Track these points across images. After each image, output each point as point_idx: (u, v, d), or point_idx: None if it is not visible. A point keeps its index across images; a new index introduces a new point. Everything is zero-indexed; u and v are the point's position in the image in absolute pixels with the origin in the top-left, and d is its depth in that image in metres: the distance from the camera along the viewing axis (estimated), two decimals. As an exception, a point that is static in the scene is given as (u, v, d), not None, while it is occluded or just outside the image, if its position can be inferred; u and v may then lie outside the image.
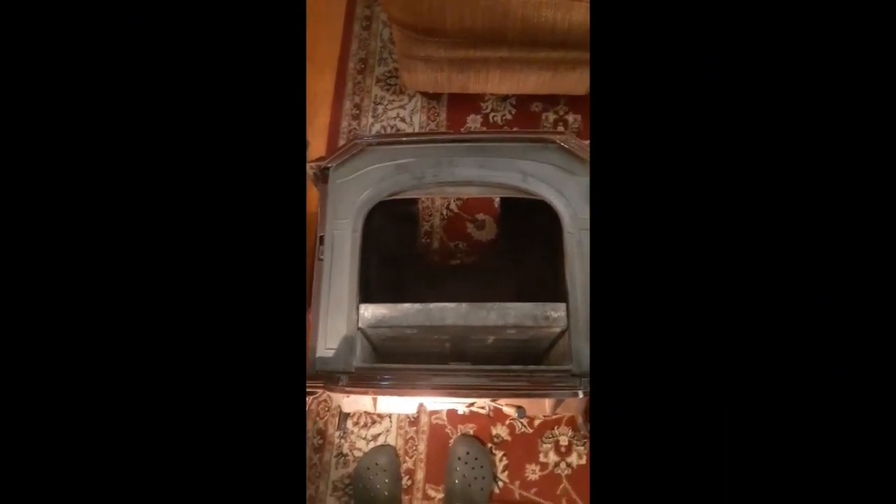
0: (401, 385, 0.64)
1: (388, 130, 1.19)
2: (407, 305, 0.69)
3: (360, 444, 1.01)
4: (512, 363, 0.67)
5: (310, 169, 0.77)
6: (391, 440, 1.01)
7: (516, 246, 1.08)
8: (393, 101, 1.21)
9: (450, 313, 0.69)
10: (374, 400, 0.71)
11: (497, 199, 1.13)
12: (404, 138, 0.76)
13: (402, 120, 1.19)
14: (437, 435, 1.01)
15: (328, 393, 0.68)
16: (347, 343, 0.68)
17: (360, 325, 0.69)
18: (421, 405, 0.72)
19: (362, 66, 1.24)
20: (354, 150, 0.75)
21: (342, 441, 1.02)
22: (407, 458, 1.00)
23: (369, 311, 0.70)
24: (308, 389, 0.67)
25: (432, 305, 0.69)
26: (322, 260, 0.74)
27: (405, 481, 0.99)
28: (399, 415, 1.02)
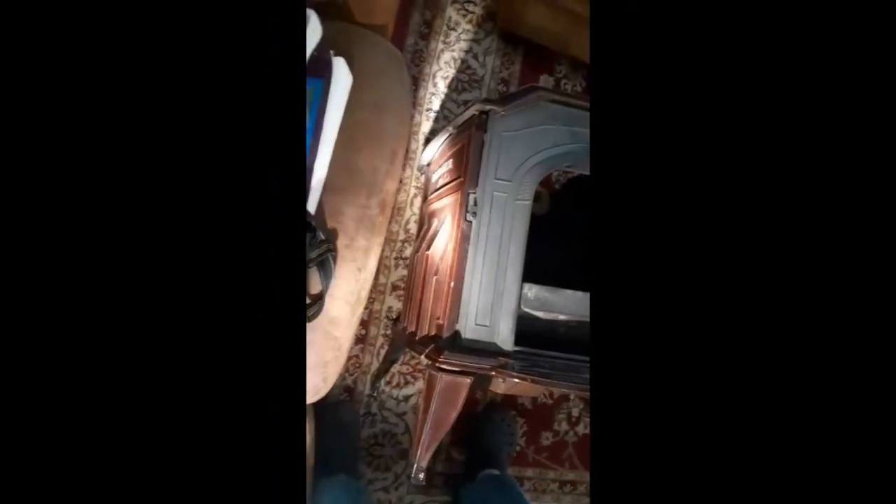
0: (572, 378, 0.60)
1: (457, 63, 1.04)
2: (570, 292, 0.65)
3: (391, 403, 0.94)
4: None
5: (476, 108, 0.64)
6: (422, 400, 0.96)
7: (566, 227, 1.06)
8: (467, 31, 1.06)
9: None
10: (528, 386, 0.65)
11: (555, 174, 1.09)
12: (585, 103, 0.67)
13: (475, 57, 1.06)
14: (467, 399, 0.99)
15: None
16: (507, 322, 0.61)
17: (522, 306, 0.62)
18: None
19: (438, -24, 1.05)
20: (532, 101, 0.65)
21: (370, 400, 0.93)
22: (436, 422, 0.96)
23: (532, 292, 0.63)
24: (464, 368, 0.59)
25: (592, 295, 0.65)
26: (471, 222, 0.64)
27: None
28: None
